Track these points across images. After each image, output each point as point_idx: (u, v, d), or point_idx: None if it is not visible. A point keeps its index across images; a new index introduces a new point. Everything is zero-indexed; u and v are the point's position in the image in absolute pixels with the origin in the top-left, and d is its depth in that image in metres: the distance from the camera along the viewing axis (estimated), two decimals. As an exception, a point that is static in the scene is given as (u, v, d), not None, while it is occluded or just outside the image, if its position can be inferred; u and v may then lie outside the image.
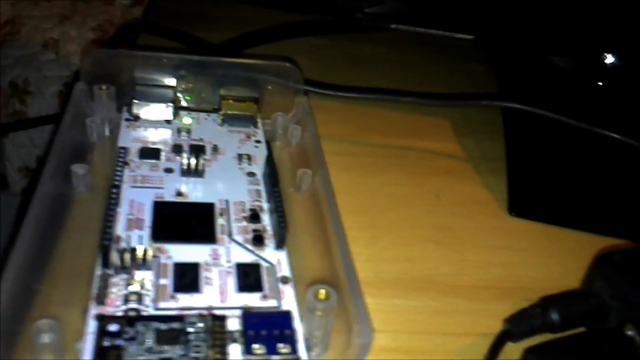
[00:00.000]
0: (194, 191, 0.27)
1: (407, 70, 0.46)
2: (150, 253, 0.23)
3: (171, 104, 0.32)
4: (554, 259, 0.30)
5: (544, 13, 0.39)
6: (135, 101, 0.31)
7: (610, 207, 0.32)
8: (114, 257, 0.22)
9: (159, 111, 0.32)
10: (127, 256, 0.22)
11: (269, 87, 0.34)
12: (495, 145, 0.37)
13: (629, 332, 0.22)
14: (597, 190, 0.33)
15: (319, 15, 0.45)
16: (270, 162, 0.29)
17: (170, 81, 0.33)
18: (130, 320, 0.20)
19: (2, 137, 0.66)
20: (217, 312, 0.21)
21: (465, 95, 0.37)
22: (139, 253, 0.23)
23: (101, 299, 0.21)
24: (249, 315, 0.21)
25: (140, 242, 0.24)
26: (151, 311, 0.21)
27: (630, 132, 0.33)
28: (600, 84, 0.39)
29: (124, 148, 0.28)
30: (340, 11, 0.40)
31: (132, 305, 0.21)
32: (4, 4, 0.73)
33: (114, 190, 0.25)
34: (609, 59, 0.39)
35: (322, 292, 0.21)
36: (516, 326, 0.23)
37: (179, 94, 0.33)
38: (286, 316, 0.21)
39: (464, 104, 0.36)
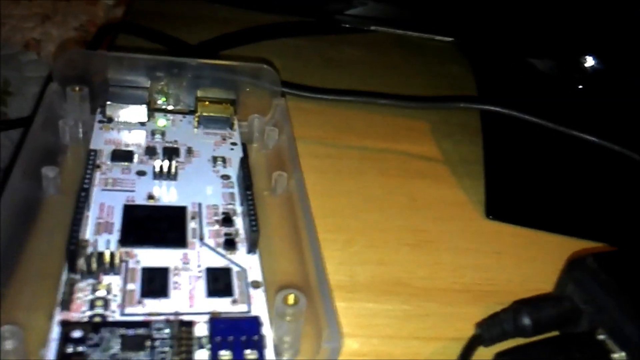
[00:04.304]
0: (166, 194, 0.27)
1: (387, 72, 0.46)
2: (118, 257, 0.22)
3: (146, 106, 0.31)
4: (529, 262, 0.29)
5: (523, 15, 0.39)
6: (109, 103, 0.31)
7: (587, 210, 0.32)
8: (81, 262, 0.22)
9: (133, 113, 0.32)
10: (94, 261, 0.22)
11: (246, 89, 0.34)
12: (473, 148, 0.37)
13: (600, 337, 0.22)
14: (574, 193, 0.33)
15: (298, 16, 0.45)
16: (244, 164, 0.28)
17: (145, 82, 0.32)
18: (95, 326, 0.20)
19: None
20: (185, 318, 0.21)
21: (443, 98, 0.37)
22: (106, 257, 0.22)
23: (66, 305, 0.21)
24: (217, 321, 0.21)
25: (109, 246, 0.23)
26: (117, 317, 0.21)
27: (606, 134, 0.33)
28: (580, 87, 0.39)
29: (94, 150, 0.27)
30: (319, 13, 0.40)
31: (98, 310, 0.21)
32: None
33: (83, 194, 0.24)
34: (588, 61, 0.40)
35: (291, 297, 0.20)
36: (487, 330, 0.23)
37: (154, 96, 0.33)
38: (254, 321, 0.21)
39: (442, 106, 0.36)
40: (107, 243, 0.24)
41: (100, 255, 0.22)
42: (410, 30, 0.40)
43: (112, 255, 0.22)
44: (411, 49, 0.49)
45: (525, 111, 0.34)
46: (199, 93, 0.33)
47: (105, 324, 0.20)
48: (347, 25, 0.43)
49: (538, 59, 0.39)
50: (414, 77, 0.46)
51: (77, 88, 0.31)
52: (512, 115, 0.33)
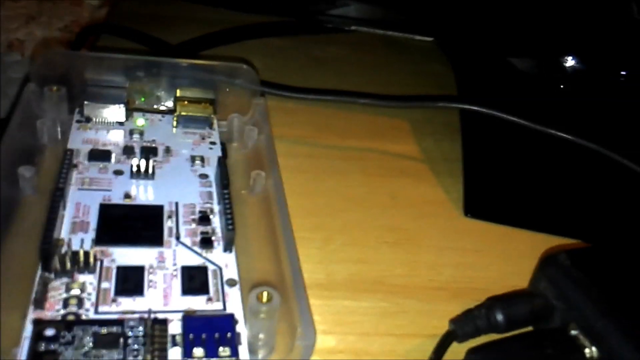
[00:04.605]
0: (143, 193, 0.27)
1: (370, 71, 0.47)
2: (92, 256, 0.22)
3: (124, 105, 0.31)
4: (506, 260, 0.30)
5: (503, 14, 0.39)
6: (87, 102, 0.31)
7: (563, 207, 0.33)
8: (55, 261, 0.22)
9: (112, 112, 0.31)
10: (68, 259, 0.22)
11: (226, 89, 0.34)
12: (454, 147, 0.37)
13: (573, 332, 0.22)
14: (550, 191, 0.33)
15: (280, 16, 0.45)
16: (221, 163, 0.28)
17: (124, 82, 0.32)
18: (68, 324, 0.20)
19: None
20: (159, 316, 0.21)
21: (422, 97, 0.37)
22: (81, 256, 0.22)
23: (40, 303, 0.21)
24: (190, 319, 0.21)
25: (83, 245, 0.23)
26: (91, 315, 0.21)
27: (583, 133, 0.33)
28: (561, 86, 0.40)
29: (70, 150, 0.27)
30: (301, 13, 0.40)
31: (72, 309, 0.21)
32: (-34, 4, 0.71)
33: (57, 193, 0.24)
34: (568, 61, 0.40)
35: (265, 294, 0.21)
36: (461, 327, 0.23)
37: (133, 95, 0.33)
38: (228, 319, 0.21)
39: (421, 105, 0.36)
40: (81, 242, 0.24)
41: (75, 254, 0.22)
42: (391, 30, 0.40)
43: (86, 254, 0.22)
44: (395, 48, 0.49)
45: (504, 110, 0.34)
46: (178, 92, 0.33)
47: (78, 322, 0.20)
48: (330, 25, 0.43)
49: (518, 58, 0.39)
50: (398, 76, 0.46)
51: (54, 88, 0.31)
52: (490, 114, 0.33)
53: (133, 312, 0.21)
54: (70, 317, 0.20)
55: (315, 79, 0.44)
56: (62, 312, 0.21)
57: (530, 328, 0.24)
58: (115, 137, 0.31)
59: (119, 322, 0.20)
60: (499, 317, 0.23)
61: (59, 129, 0.31)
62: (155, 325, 0.20)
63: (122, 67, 0.32)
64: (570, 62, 0.40)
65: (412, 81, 0.45)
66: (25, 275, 0.23)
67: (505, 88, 0.40)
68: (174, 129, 0.32)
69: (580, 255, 0.24)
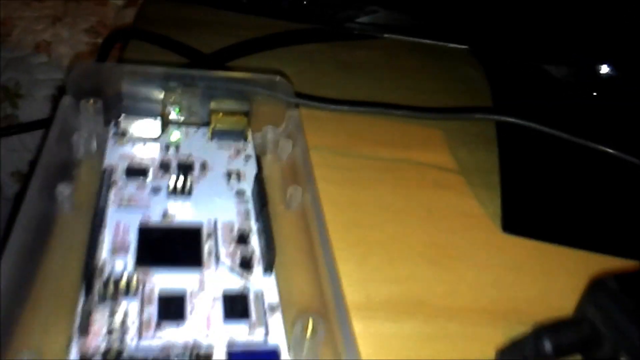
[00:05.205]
0: (182, 212, 0.27)
1: (400, 75, 0.46)
2: (134, 281, 0.22)
3: (160, 119, 0.31)
4: (548, 279, 0.29)
5: (538, 21, 0.38)
6: (123, 116, 0.31)
7: (607, 224, 0.32)
8: (98, 287, 0.22)
9: (147, 126, 0.31)
10: (111, 285, 0.22)
11: (260, 101, 0.33)
12: (489, 157, 0.37)
13: (623, 361, 0.22)
14: (593, 206, 0.33)
15: (309, 23, 0.45)
16: (259, 180, 0.28)
17: (159, 94, 0.32)
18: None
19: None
20: (202, 351, 0.21)
21: (459, 109, 0.36)
22: (123, 281, 0.22)
23: (84, 330, 0.21)
24: (235, 354, 0.21)
25: (125, 268, 0.23)
26: (134, 344, 0.21)
27: (626, 147, 0.32)
28: (595, 93, 0.39)
29: (109, 168, 0.27)
30: (330, 21, 0.39)
31: (116, 339, 0.21)
32: (-6, 5, 0.72)
33: (98, 215, 0.24)
34: (604, 69, 0.39)
35: (309, 327, 0.20)
36: (508, 357, 0.23)
37: (167, 108, 0.33)
38: (273, 354, 0.21)
39: (458, 117, 0.36)
40: (124, 265, 0.23)
41: (117, 279, 0.22)
42: (424, 37, 0.39)
43: (128, 279, 0.22)
44: (425, 51, 0.48)
45: (542, 121, 0.33)
46: (213, 105, 0.33)
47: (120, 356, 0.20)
48: (360, 33, 0.43)
49: (554, 65, 0.39)
50: (429, 81, 0.45)
51: (91, 101, 0.31)
52: (529, 126, 0.32)
53: (176, 343, 0.21)
54: (115, 347, 0.20)
55: (344, 84, 0.44)
56: (106, 340, 0.21)
57: (579, 357, 0.23)
58: (151, 152, 0.30)
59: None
60: (547, 345, 0.22)
61: (94, 143, 0.31)
62: None
63: (158, 80, 0.32)
64: (606, 69, 0.39)
65: (442, 86, 0.45)
66: (66, 299, 0.23)
67: (540, 96, 0.39)
68: (209, 142, 0.32)
69: (630, 280, 0.23)
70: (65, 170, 0.29)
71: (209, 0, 0.40)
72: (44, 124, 0.54)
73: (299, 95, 0.34)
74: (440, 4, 0.37)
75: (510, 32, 0.37)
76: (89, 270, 0.22)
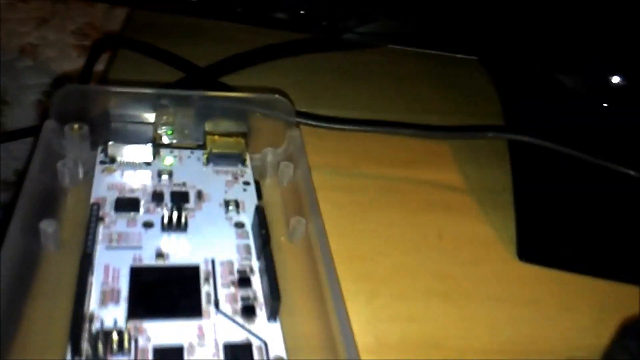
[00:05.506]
0: (176, 250, 0.25)
1: (402, 83, 0.44)
2: (126, 337, 0.20)
3: (151, 144, 0.29)
4: (569, 313, 0.27)
5: (550, 30, 0.36)
6: (111, 143, 0.29)
7: (633, 251, 0.30)
8: (86, 345, 0.20)
9: (137, 151, 0.29)
10: (100, 342, 0.20)
11: (257, 120, 0.31)
12: (499, 175, 0.35)
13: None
14: (617, 232, 0.31)
15: (306, 33, 0.43)
16: (259, 213, 0.26)
17: (149, 117, 0.30)
18: None
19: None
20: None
21: (470, 127, 0.34)
22: (114, 338, 0.20)
23: (71, 397, 0.19)
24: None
25: (116, 320, 0.21)
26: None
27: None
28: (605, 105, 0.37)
29: (96, 204, 0.25)
30: (328, 31, 0.37)
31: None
32: (-23, 6, 0.69)
33: (86, 261, 0.22)
34: (616, 78, 0.37)
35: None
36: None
37: (159, 130, 0.30)
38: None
39: (470, 137, 0.34)
40: (114, 317, 0.21)
41: (107, 334, 0.20)
42: (430, 48, 0.37)
43: (120, 333, 0.20)
44: (428, 58, 0.46)
45: (558, 138, 0.31)
46: (208, 126, 0.31)
47: None
48: (360, 43, 0.41)
49: (566, 74, 0.37)
50: (431, 87, 0.44)
51: (76, 125, 0.28)
52: (545, 146, 0.31)
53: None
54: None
55: (345, 94, 0.42)
56: (96, 406, 0.19)
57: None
58: (143, 180, 0.28)
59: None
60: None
61: (80, 170, 0.29)
62: None
63: (149, 101, 0.30)
64: (617, 79, 0.37)
65: (446, 95, 0.43)
66: (51, 351, 0.21)
67: (553, 108, 0.37)
68: (204, 167, 0.30)
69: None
70: (50, 201, 0.27)
71: (201, 11, 0.38)
72: (32, 132, 0.52)
73: (300, 114, 0.32)
74: (446, 12, 0.35)
75: (521, 41, 0.35)
76: (77, 330, 0.20)
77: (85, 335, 0.20)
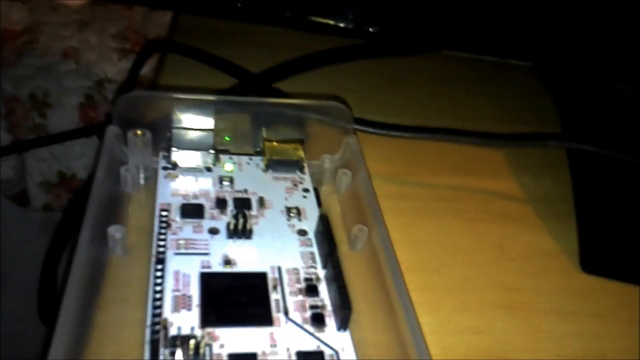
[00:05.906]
0: (243, 257, 0.25)
1: (452, 89, 0.44)
2: (203, 345, 0.20)
3: (212, 151, 0.29)
4: (637, 327, 0.27)
5: (613, 36, 0.36)
6: (174, 149, 0.29)
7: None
8: (165, 352, 0.20)
9: (199, 158, 0.29)
10: (180, 350, 0.20)
11: (314, 126, 0.31)
12: (556, 184, 0.35)
13: None
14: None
15: (356, 39, 0.42)
16: (324, 221, 0.26)
17: (209, 123, 0.30)
18: None
19: (22, 152, 0.64)
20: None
21: (530, 135, 0.34)
22: (191, 345, 0.20)
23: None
24: None
25: (190, 327, 0.21)
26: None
27: None
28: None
29: (165, 209, 0.25)
30: (379, 38, 0.37)
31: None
32: (20, 10, 0.70)
33: (159, 266, 0.22)
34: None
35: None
36: None
37: (218, 137, 0.31)
38: None
39: (530, 145, 0.33)
40: (189, 324, 0.21)
41: (185, 340, 0.20)
42: (485, 54, 0.37)
43: (196, 341, 0.20)
44: (478, 64, 0.46)
45: (619, 146, 0.31)
46: (266, 133, 0.31)
47: None
48: (413, 48, 0.40)
49: (627, 83, 0.36)
50: (483, 95, 0.43)
51: (139, 132, 0.29)
52: (608, 154, 0.30)
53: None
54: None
55: (396, 100, 0.41)
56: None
57: None
58: (205, 186, 0.28)
59: None
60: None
61: (142, 175, 0.29)
62: None
63: (209, 108, 0.30)
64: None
65: (496, 102, 0.42)
66: (123, 355, 0.21)
67: (611, 116, 0.36)
68: (264, 174, 0.30)
69: None
70: (114, 205, 0.28)
71: (249, 16, 0.38)
72: (75, 135, 0.53)
73: (358, 121, 0.32)
74: (501, 17, 0.35)
75: (581, 48, 0.35)
76: (156, 337, 0.20)
77: (162, 341, 0.20)
